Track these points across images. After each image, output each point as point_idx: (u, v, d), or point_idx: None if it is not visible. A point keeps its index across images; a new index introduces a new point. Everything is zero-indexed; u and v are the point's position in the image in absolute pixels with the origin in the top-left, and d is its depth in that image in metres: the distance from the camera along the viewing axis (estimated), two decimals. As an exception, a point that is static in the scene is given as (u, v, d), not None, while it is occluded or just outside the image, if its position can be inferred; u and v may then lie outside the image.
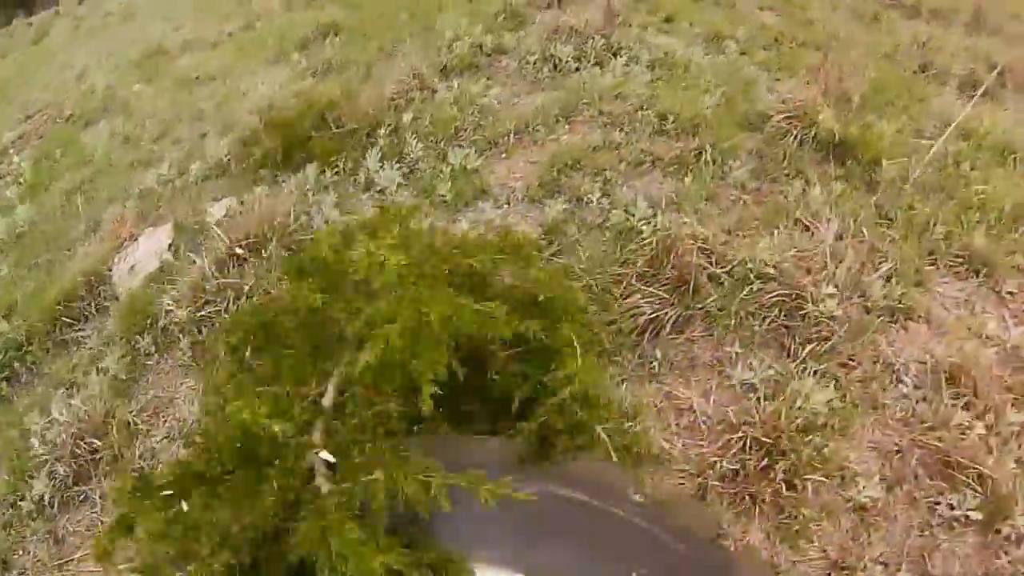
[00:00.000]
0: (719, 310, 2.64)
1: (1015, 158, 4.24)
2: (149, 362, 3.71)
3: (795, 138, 3.89)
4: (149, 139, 6.07)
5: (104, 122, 6.77)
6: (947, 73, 5.15)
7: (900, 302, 2.94)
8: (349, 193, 4.05)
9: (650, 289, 2.66)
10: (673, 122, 3.82)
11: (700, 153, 3.55)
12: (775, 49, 5.50)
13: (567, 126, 3.99)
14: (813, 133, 3.88)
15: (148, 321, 3.81)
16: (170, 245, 4.47)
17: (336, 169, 4.19)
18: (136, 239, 4.69)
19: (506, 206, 3.54)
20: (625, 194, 3.34)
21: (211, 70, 6.84)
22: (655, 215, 3.06)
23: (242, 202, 4.37)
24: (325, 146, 4.27)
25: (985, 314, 3.17)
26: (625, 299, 2.69)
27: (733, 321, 2.62)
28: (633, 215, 3.08)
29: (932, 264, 3.28)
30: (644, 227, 2.97)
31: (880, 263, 3.07)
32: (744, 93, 4.44)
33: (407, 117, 4.23)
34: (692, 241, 2.74)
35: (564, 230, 3.22)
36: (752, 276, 2.72)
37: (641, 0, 6.16)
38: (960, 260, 3.29)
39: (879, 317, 2.87)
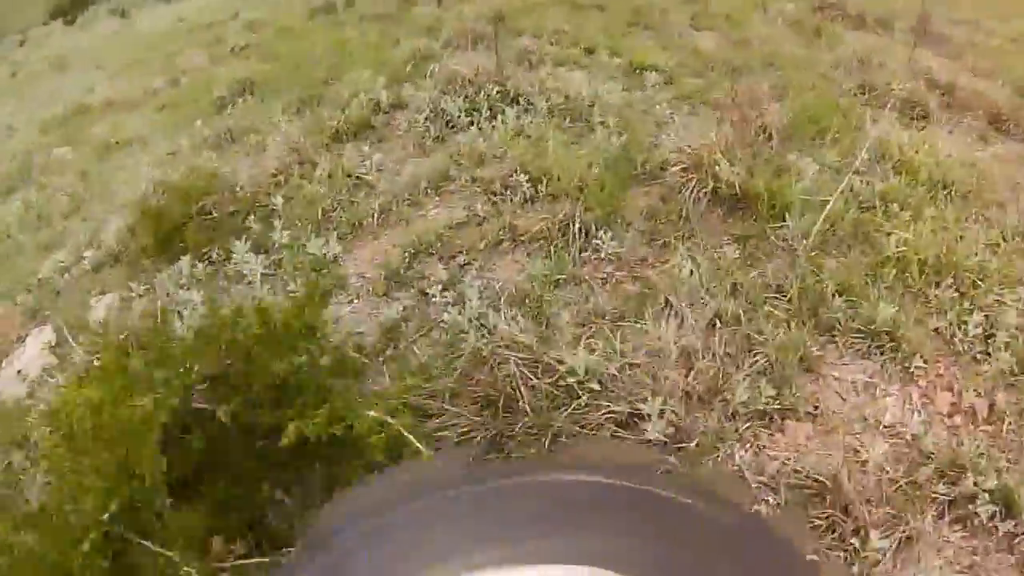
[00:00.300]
0: (536, 430, 2.47)
1: (949, 193, 3.98)
2: (23, 477, 3.71)
3: (692, 193, 3.71)
4: (60, 216, 6.15)
5: (21, 193, 6.87)
6: (887, 93, 4.89)
7: (775, 401, 2.72)
8: (221, 286, 4.01)
9: (455, 409, 2.51)
10: (548, 185, 3.66)
11: (568, 224, 3.39)
12: (704, 76, 5.31)
13: (437, 198, 3.87)
14: (712, 187, 3.70)
15: (23, 434, 3.81)
16: (53, 348, 4.48)
17: (209, 259, 4.16)
18: (24, 340, 4.72)
19: (356, 300, 3.43)
20: (471, 284, 3.20)
21: (129, 134, 6.93)
22: (486, 314, 2.91)
23: (123, 298, 4.38)
24: (198, 236, 4.23)
25: (887, 397, 2.92)
26: (436, 418, 2.55)
27: (550, 443, 2.44)
28: (462, 314, 2.94)
29: (830, 342, 3.05)
30: (468, 332, 2.82)
31: (755, 355, 2.86)
32: (647, 139, 4.27)
33: (279, 199, 4.16)
34: (513, 350, 2.58)
35: (403, 331, 3.10)
36: (580, 388, 2.54)
37: (563, 33, 6.07)
38: (863, 335, 3.04)
39: (746, 423, 2.65)
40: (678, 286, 3.11)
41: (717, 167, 3.65)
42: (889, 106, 4.82)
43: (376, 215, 3.85)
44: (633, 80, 5.18)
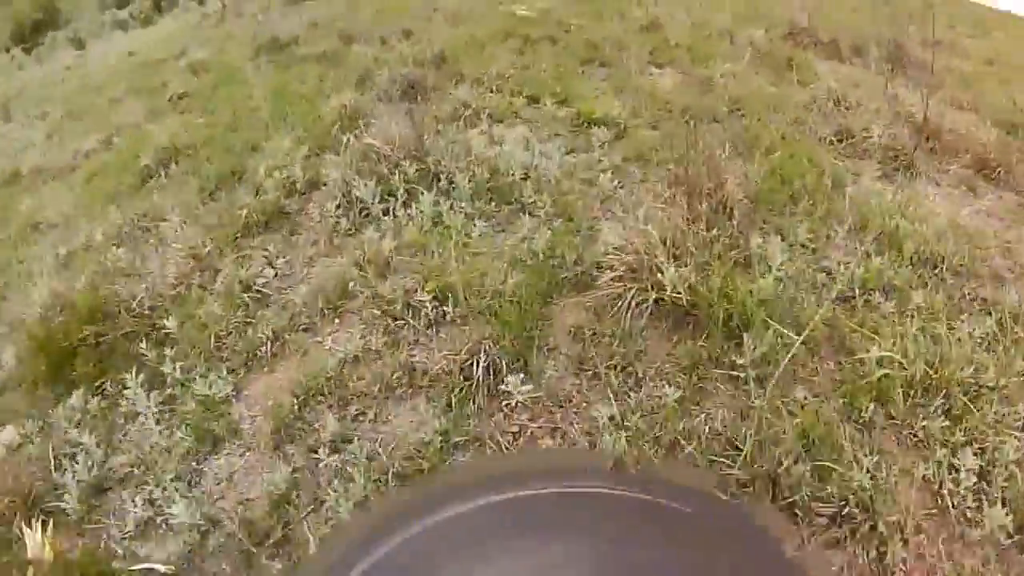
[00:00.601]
0: None
1: (939, 271, 3.49)
2: None
3: (631, 306, 3.22)
4: (-23, 320, 5.81)
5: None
6: (867, 139, 4.38)
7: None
8: (117, 423, 3.63)
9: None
10: (456, 308, 3.21)
11: (474, 364, 2.94)
12: (660, 126, 4.81)
13: (336, 321, 3.42)
14: (654, 297, 3.20)
15: None
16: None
17: (103, 392, 3.78)
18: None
19: (248, 453, 3.00)
20: (362, 442, 2.77)
21: (52, 212, 6.55)
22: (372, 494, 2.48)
23: (21, 434, 4.03)
24: (89, 366, 3.86)
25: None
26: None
27: None
28: (348, 491, 2.52)
29: (792, 523, 2.56)
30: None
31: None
32: (584, 223, 3.79)
33: (173, 321, 3.74)
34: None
35: (293, 502, 2.68)
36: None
37: (507, 79, 5.59)
38: (830, 510, 2.50)
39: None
40: (599, 446, 2.65)
41: (660, 274, 3.16)
42: (871, 156, 4.34)
43: (271, 343, 3.42)
44: (579, 137, 4.69)
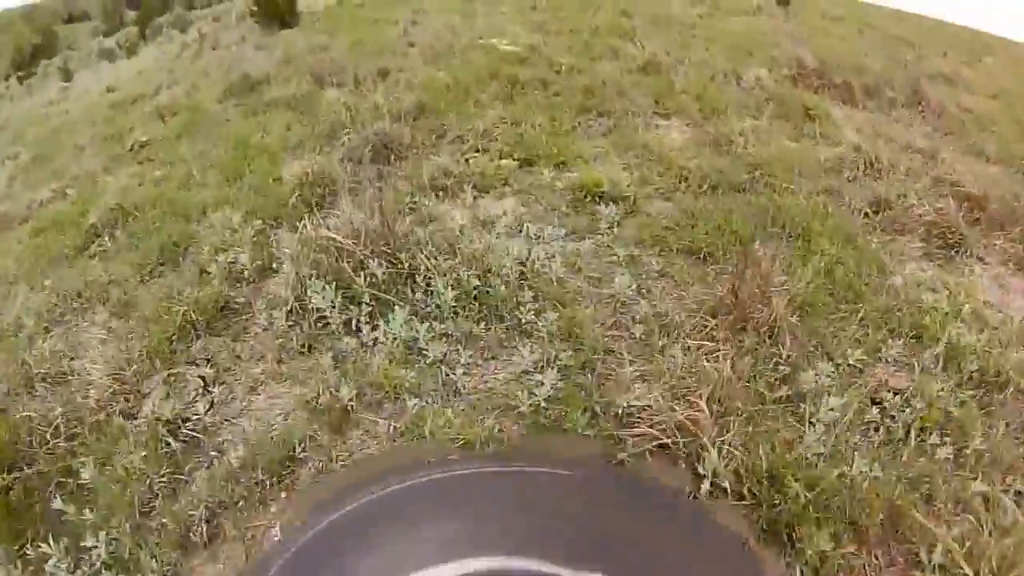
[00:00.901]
0: None
1: (1004, 396, 2.63)
2: None
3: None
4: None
5: None
6: (906, 210, 3.51)
7: None
8: None
9: None
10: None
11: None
12: (674, 198, 3.84)
13: (284, 495, 2.46)
14: (691, 490, 2.28)
15: None
16: None
17: (26, 558, 2.79)
18: None
19: None
20: None
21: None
22: None
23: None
24: (6, 525, 2.88)
25: None
26: None
27: None
28: None
29: None
30: None
31: None
32: (600, 363, 2.78)
33: (90, 468, 2.76)
34: None
35: None
36: None
37: (494, 134, 4.60)
38: None
39: None
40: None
41: (703, 459, 2.23)
42: (912, 231, 3.48)
43: (206, 523, 2.45)
44: (582, 215, 3.71)
